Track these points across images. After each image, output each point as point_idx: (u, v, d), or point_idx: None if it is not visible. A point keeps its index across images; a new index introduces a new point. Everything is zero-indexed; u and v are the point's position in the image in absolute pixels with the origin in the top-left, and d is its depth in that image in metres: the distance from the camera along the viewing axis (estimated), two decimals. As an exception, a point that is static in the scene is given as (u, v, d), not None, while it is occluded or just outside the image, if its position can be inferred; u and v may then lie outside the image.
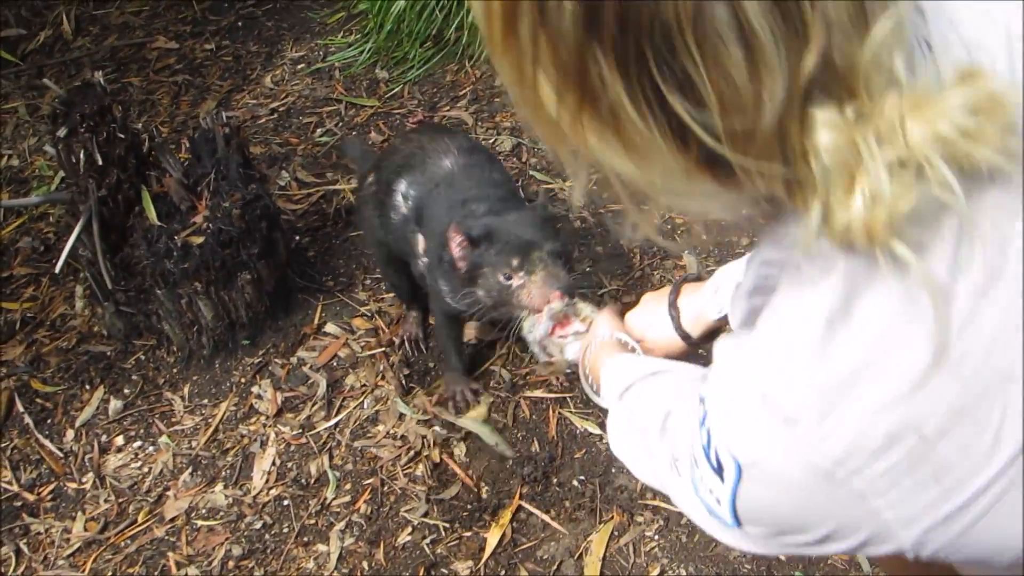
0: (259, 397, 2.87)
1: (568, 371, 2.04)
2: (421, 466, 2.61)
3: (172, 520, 2.62)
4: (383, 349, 2.92)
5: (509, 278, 2.24)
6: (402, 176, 2.68)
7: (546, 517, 2.45)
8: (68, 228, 2.94)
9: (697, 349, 1.83)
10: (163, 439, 2.82)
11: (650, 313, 1.83)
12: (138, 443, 2.84)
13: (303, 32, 4.48)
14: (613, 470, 2.51)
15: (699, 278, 1.81)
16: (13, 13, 4.71)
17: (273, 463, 2.70)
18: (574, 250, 3.06)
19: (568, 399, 2.69)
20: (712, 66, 0.81)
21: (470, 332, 2.86)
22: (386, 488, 2.59)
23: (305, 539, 2.52)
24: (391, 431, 2.71)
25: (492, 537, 2.43)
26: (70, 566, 2.56)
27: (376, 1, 4.11)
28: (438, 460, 2.61)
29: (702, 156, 0.88)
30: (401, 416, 2.73)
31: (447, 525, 2.47)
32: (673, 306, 1.78)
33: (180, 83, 4.28)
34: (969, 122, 0.83)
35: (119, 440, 2.86)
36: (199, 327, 2.94)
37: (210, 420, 2.85)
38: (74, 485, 2.76)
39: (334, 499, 2.59)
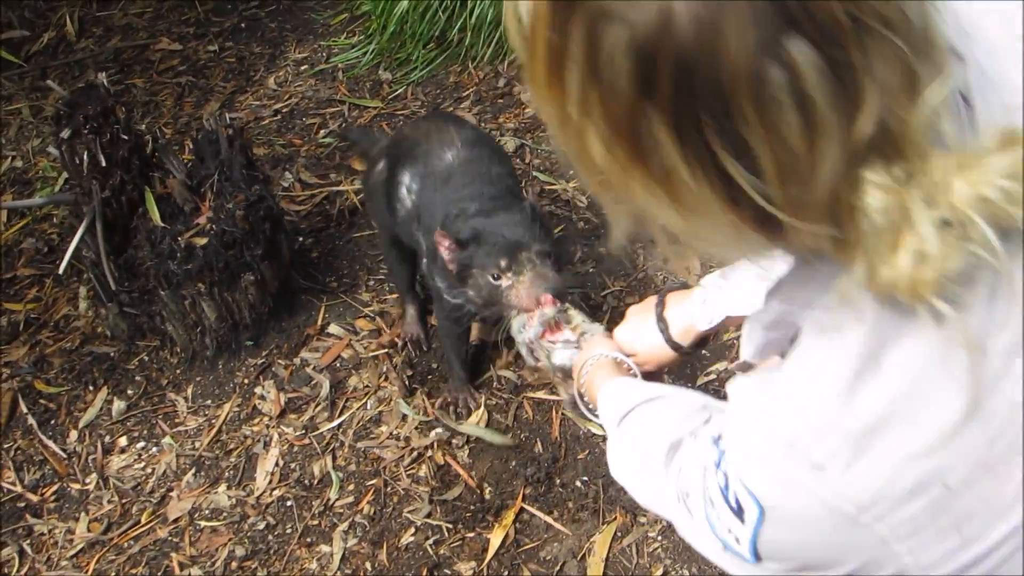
0: (262, 398, 2.87)
1: (556, 376, 2.04)
2: (424, 467, 2.61)
3: (175, 521, 2.62)
4: (386, 350, 2.92)
5: (498, 279, 2.25)
6: (407, 168, 2.69)
7: (549, 518, 2.45)
8: (72, 229, 2.94)
9: (690, 356, 1.83)
10: (166, 440, 2.82)
11: (638, 327, 1.82)
12: (141, 444, 2.85)
13: (306, 33, 4.48)
14: (616, 471, 2.50)
15: (685, 285, 1.81)
16: (17, 15, 4.71)
17: (276, 464, 2.70)
18: (576, 251, 3.05)
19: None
20: (768, 132, 0.82)
21: (473, 333, 2.85)
22: (389, 489, 2.59)
23: (308, 540, 2.52)
24: (394, 432, 2.71)
25: (495, 538, 2.43)
26: (73, 567, 2.57)
27: (379, 2, 4.11)
28: (441, 461, 2.61)
29: (753, 215, 0.88)
30: (404, 417, 2.73)
31: (450, 526, 2.47)
32: (661, 319, 1.77)
33: (183, 84, 4.28)
34: (1011, 186, 0.85)
35: (122, 441, 2.86)
36: (202, 328, 2.94)
37: (213, 421, 2.85)
38: (77, 486, 2.76)
39: (337, 500, 2.59)
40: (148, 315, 2.98)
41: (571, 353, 1.94)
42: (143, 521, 2.64)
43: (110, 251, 2.86)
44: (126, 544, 2.60)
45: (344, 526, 2.53)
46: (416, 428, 2.70)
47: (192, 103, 4.18)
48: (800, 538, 1.06)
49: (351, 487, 2.62)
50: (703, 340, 1.80)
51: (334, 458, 2.69)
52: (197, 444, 2.80)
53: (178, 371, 3.02)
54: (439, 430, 2.67)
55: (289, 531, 2.55)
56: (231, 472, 2.71)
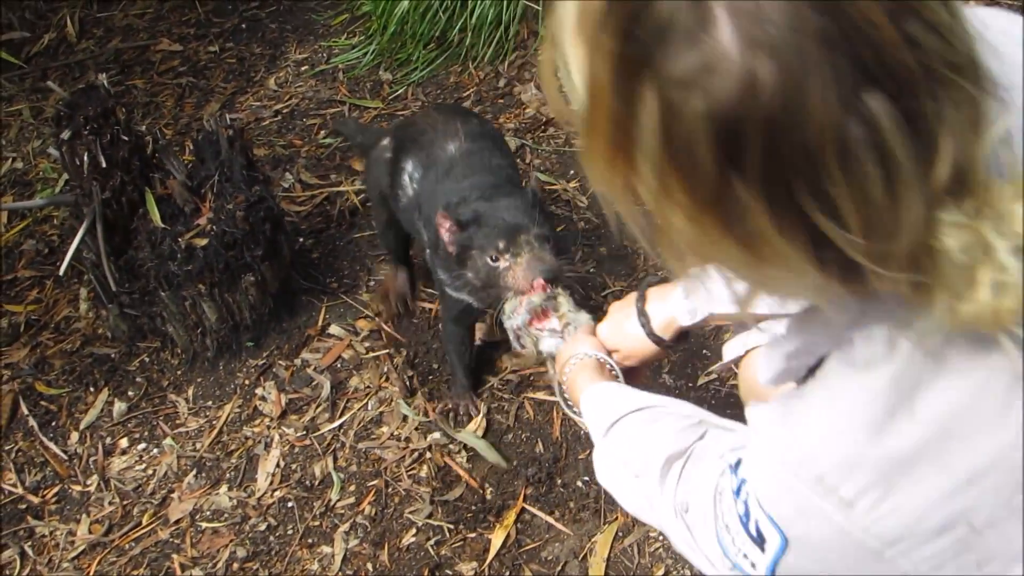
0: (263, 399, 2.87)
1: (539, 363, 2.06)
2: (425, 468, 2.60)
3: (177, 522, 2.62)
4: (387, 351, 2.92)
5: (496, 260, 2.25)
6: (411, 155, 2.71)
7: (550, 518, 2.45)
8: (72, 231, 2.94)
9: (672, 351, 1.84)
10: (167, 441, 2.82)
11: (620, 322, 1.82)
12: (142, 445, 2.84)
13: (307, 34, 4.48)
14: (617, 471, 2.50)
15: (664, 280, 1.81)
16: (17, 16, 4.71)
17: (277, 465, 2.70)
18: (577, 251, 3.05)
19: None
20: (852, 187, 0.83)
21: (477, 333, 2.85)
22: (390, 490, 2.58)
23: (309, 541, 2.52)
24: (395, 433, 2.70)
25: (496, 538, 2.42)
26: (74, 569, 2.57)
27: (380, 3, 4.11)
28: (442, 462, 2.60)
29: (836, 267, 0.89)
30: (405, 418, 2.73)
31: (451, 526, 2.47)
32: (642, 312, 1.78)
33: (184, 85, 4.28)
34: None
35: (123, 442, 2.86)
36: (203, 329, 2.94)
37: (214, 422, 2.85)
38: (78, 488, 2.76)
39: (338, 501, 2.59)
40: (149, 316, 2.98)
41: (556, 342, 1.96)
42: (144, 522, 2.64)
43: (110, 252, 2.86)
44: (127, 546, 2.60)
45: (345, 527, 2.52)
46: (416, 429, 2.70)
47: (192, 104, 4.18)
48: (821, 567, 1.07)
49: (352, 488, 2.61)
50: (685, 335, 1.80)
51: (335, 459, 2.69)
52: (198, 445, 2.80)
53: (179, 372, 3.02)
54: (437, 435, 2.67)
55: (290, 532, 2.55)
56: (232, 473, 2.71)
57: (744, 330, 1.80)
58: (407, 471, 2.61)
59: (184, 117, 4.11)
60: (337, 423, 2.76)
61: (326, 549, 2.49)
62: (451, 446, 2.64)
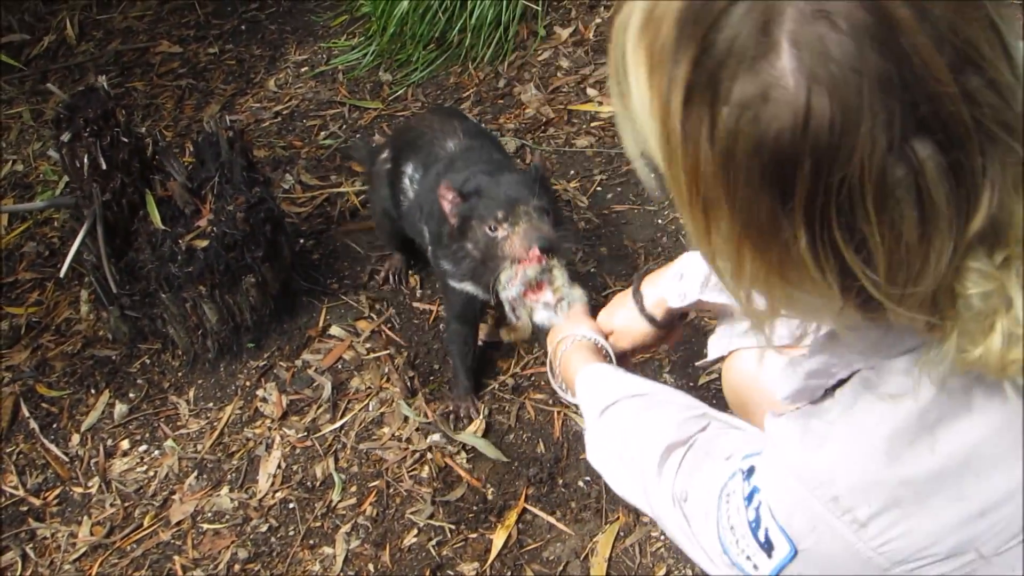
0: (264, 400, 2.87)
1: (531, 337, 2.09)
2: (426, 468, 2.60)
3: (178, 524, 2.62)
4: (388, 351, 2.91)
5: (494, 230, 2.28)
6: (410, 158, 2.73)
7: (552, 518, 2.44)
8: (72, 232, 2.94)
9: (665, 334, 1.86)
10: (168, 443, 2.82)
11: (616, 303, 1.87)
12: (143, 447, 2.84)
13: (306, 35, 4.48)
14: (619, 471, 2.50)
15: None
16: (17, 18, 4.72)
17: (278, 466, 2.70)
18: (577, 251, 3.05)
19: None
20: (884, 225, 0.84)
21: (480, 334, 2.85)
22: (391, 490, 2.58)
23: (311, 542, 2.52)
24: (396, 433, 2.70)
25: (498, 538, 2.42)
26: (76, 571, 2.57)
27: (379, 4, 4.11)
28: (443, 463, 2.60)
29: (857, 298, 0.92)
30: (406, 419, 2.72)
31: (453, 527, 2.47)
32: (637, 292, 1.82)
33: (184, 87, 4.29)
34: None
35: (124, 444, 2.86)
36: (204, 331, 2.94)
37: (215, 423, 2.85)
38: (80, 489, 2.76)
39: (340, 502, 2.59)
40: (149, 318, 2.98)
41: (550, 315, 1.99)
42: (146, 524, 2.64)
43: (111, 254, 2.86)
44: (129, 547, 2.59)
45: (347, 528, 2.52)
46: (417, 430, 2.70)
47: (192, 106, 4.18)
48: None
49: (353, 489, 2.61)
50: (677, 319, 1.84)
51: (336, 460, 2.69)
52: (199, 447, 2.80)
53: (180, 374, 3.02)
54: (436, 436, 2.66)
55: (292, 533, 2.55)
56: (233, 474, 2.71)
57: (729, 322, 1.82)
58: (408, 472, 2.61)
59: (184, 119, 4.11)
60: (338, 424, 2.76)
61: (327, 550, 2.49)
62: (450, 447, 2.64)
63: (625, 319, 1.84)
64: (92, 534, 2.64)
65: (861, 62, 0.81)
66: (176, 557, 2.54)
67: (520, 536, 2.43)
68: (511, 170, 2.51)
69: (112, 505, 2.70)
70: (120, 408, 2.93)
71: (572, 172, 3.39)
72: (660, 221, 3.13)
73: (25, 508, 2.74)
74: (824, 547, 1.06)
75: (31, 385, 3.05)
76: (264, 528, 2.56)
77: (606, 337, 1.83)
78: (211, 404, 2.91)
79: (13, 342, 3.20)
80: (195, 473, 2.73)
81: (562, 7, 4.11)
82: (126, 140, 2.85)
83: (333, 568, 2.45)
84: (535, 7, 4.02)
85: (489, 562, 2.38)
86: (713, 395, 2.62)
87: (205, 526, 2.60)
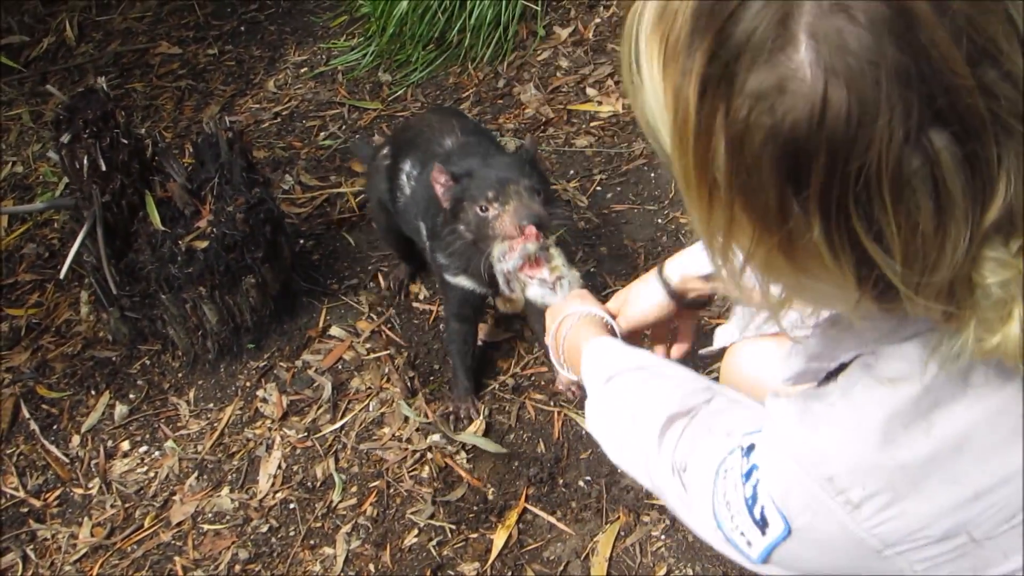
0: (264, 401, 2.87)
1: (523, 309, 2.09)
2: (427, 468, 2.60)
3: (179, 525, 2.62)
4: (388, 352, 2.91)
5: (485, 210, 2.29)
6: (408, 155, 2.74)
7: (552, 518, 2.44)
8: (72, 234, 2.94)
9: (677, 310, 1.85)
10: (169, 444, 2.82)
11: (635, 282, 1.87)
12: (144, 448, 2.85)
13: (306, 36, 4.48)
14: (619, 470, 2.50)
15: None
16: (16, 20, 4.72)
17: (279, 466, 2.70)
18: (577, 251, 3.05)
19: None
20: (900, 215, 0.85)
21: (480, 333, 2.85)
22: (392, 490, 2.58)
23: (311, 542, 2.52)
24: (396, 433, 2.70)
25: (498, 538, 2.42)
26: (77, 572, 2.57)
27: (378, 4, 4.11)
28: (443, 463, 2.60)
29: (873, 287, 0.92)
30: (406, 419, 2.72)
31: (453, 527, 2.47)
32: (662, 272, 1.81)
33: (183, 88, 4.29)
34: None
35: (125, 445, 2.86)
36: (204, 331, 2.94)
37: (215, 424, 2.85)
38: (80, 491, 2.76)
39: (340, 502, 2.59)
40: (149, 319, 2.98)
41: (544, 292, 1.98)
42: (146, 525, 2.64)
43: (111, 255, 2.86)
44: (129, 548, 2.60)
45: (347, 528, 2.52)
46: (417, 430, 2.70)
47: (192, 107, 4.18)
48: (819, 558, 1.12)
49: (354, 489, 2.61)
50: (695, 304, 1.84)
51: (336, 460, 2.69)
52: (199, 447, 2.80)
53: (180, 375, 3.02)
54: (436, 437, 2.66)
55: (292, 534, 2.55)
56: (234, 475, 2.71)
57: (741, 314, 1.82)
58: (409, 472, 2.61)
59: (184, 120, 4.11)
60: (338, 424, 2.76)
61: (328, 550, 2.49)
62: (450, 447, 2.64)
63: (642, 292, 1.83)
64: (93, 535, 2.64)
65: (879, 55, 0.82)
66: (177, 558, 2.54)
67: (521, 536, 2.43)
68: (503, 154, 2.52)
69: (113, 506, 2.70)
70: (120, 409, 2.93)
71: (572, 172, 3.39)
72: (660, 220, 3.13)
73: (26, 509, 2.74)
74: (818, 527, 1.08)
75: (31, 386, 3.05)
76: (265, 528, 2.56)
77: (614, 317, 1.84)
78: (211, 405, 2.91)
79: (13, 343, 3.20)
80: (195, 474, 2.73)
81: (561, 7, 4.11)
82: (126, 141, 2.85)
83: (334, 568, 2.45)
84: (534, 7, 4.02)
85: (490, 562, 2.38)
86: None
87: (206, 527, 2.60)
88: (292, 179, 3.63)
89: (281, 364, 2.96)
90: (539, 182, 2.36)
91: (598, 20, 4.02)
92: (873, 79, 0.82)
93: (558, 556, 2.37)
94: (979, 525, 1.00)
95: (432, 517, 2.50)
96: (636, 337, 1.87)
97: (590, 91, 3.71)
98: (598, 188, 3.31)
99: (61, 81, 4.42)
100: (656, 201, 3.20)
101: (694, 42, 0.89)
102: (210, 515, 2.63)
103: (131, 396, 2.98)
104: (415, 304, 3.07)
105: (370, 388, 2.84)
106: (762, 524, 1.13)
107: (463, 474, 2.57)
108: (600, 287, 2.94)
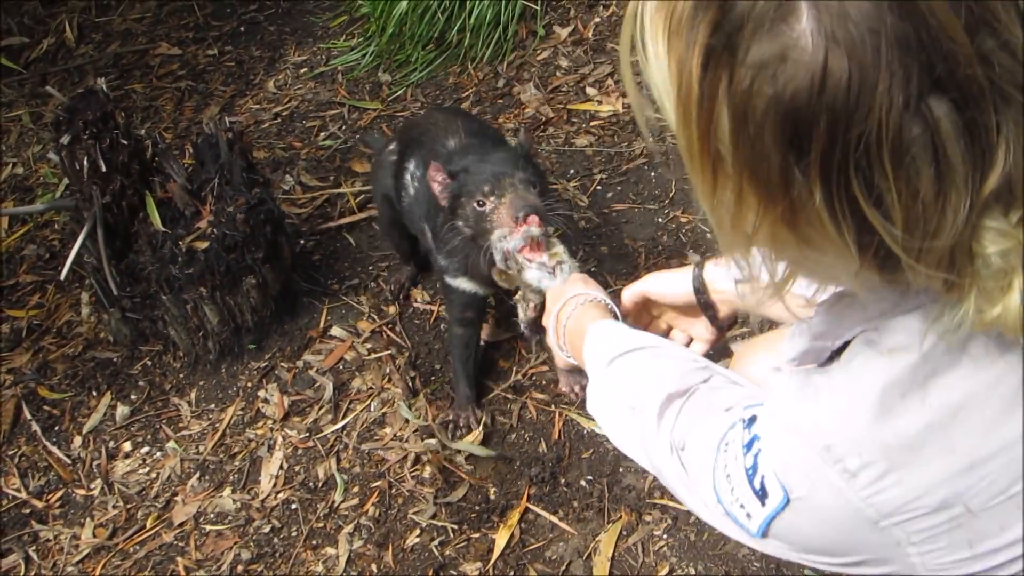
0: (266, 401, 2.87)
1: (522, 292, 2.10)
2: (428, 468, 2.60)
3: (181, 525, 2.62)
4: (389, 352, 2.91)
5: (482, 204, 2.29)
6: (413, 155, 2.74)
7: (554, 518, 2.44)
8: (73, 235, 2.94)
9: (697, 310, 1.86)
10: (170, 444, 2.82)
11: (666, 271, 1.89)
12: (145, 449, 2.85)
13: (305, 36, 4.48)
14: (621, 469, 2.50)
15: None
16: (16, 21, 4.72)
17: (280, 467, 2.70)
18: (578, 251, 3.05)
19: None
20: (901, 181, 0.86)
21: (484, 332, 2.85)
22: (394, 491, 2.58)
23: (313, 542, 2.52)
24: (398, 434, 2.70)
25: (500, 538, 2.42)
26: (79, 573, 2.57)
27: (378, 4, 4.11)
28: (444, 463, 2.60)
29: (874, 257, 0.94)
30: (407, 419, 2.72)
31: (455, 527, 2.47)
32: (699, 265, 1.83)
33: (183, 89, 4.28)
34: None
35: (127, 446, 2.86)
36: (205, 332, 2.94)
37: (217, 425, 2.85)
38: (82, 491, 2.76)
39: (342, 502, 2.59)
40: (150, 320, 2.98)
41: (541, 276, 2.00)
42: (148, 526, 2.64)
43: (111, 256, 2.86)
44: (132, 549, 2.60)
45: (349, 528, 2.52)
46: (415, 431, 2.69)
47: (192, 107, 4.18)
48: (817, 529, 1.13)
49: (356, 489, 2.61)
50: (724, 320, 1.85)
51: (338, 460, 2.69)
52: (201, 448, 2.80)
53: (181, 375, 3.02)
54: (432, 442, 2.65)
55: (294, 534, 2.55)
56: (235, 476, 2.71)
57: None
58: (410, 472, 2.61)
59: (184, 121, 4.11)
60: (340, 424, 2.76)
61: (330, 551, 2.49)
62: (447, 452, 2.64)
63: (673, 274, 1.85)
64: (95, 536, 2.64)
65: (879, 22, 0.83)
66: (179, 558, 2.55)
67: (523, 536, 2.43)
68: (499, 149, 2.53)
69: (115, 507, 2.70)
70: (122, 410, 2.94)
71: (572, 171, 3.39)
72: (660, 220, 3.13)
73: (28, 510, 2.74)
74: (816, 497, 1.08)
75: (33, 388, 3.05)
76: (267, 529, 2.57)
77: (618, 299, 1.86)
78: (213, 405, 2.91)
79: (14, 345, 3.20)
80: (197, 474, 2.74)
81: (561, 6, 4.11)
82: (126, 142, 2.85)
83: (336, 569, 2.45)
84: (534, 7, 4.02)
85: (492, 562, 2.38)
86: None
87: (208, 527, 2.60)
88: (292, 179, 3.63)
89: (282, 364, 2.97)
90: (535, 175, 2.37)
91: (598, 19, 4.02)
92: (873, 46, 0.83)
93: (560, 556, 2.37)
94: (975, 496, 1.00)
95: (434, 517, 2.50)
96: (641, 314, 1.91)
97: (590, 90, 3.71)
98: (598, 188, 3.31)
99: (61, 82, 4.42)
100: (656, 200, 3.20)
101: (698, 15, 0.91)
102: (212, 515, 2.63)
103: (132, 397, 2.99)
104: (416, 304, 3.07)
105: (371, 388, 2.84)
106: (762, 495, 1.14)
107: (464, 475, 2.57)
108: (601, 286, 2.93)
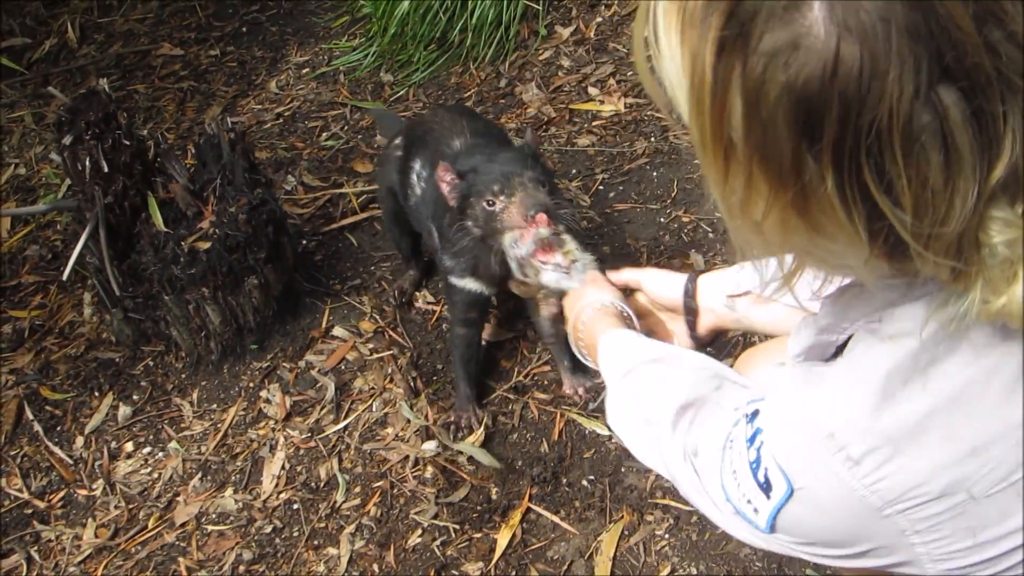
0: (268, 401, 2.87)
1: (540, 294, 2.11)
2: (430, 468, 2.60)
3: (182, 525, 2.62)
4: (391, 352, 2.91)
5: (492, 204, 2.29)
6: (419, 154, 2.74)
7: (556, 517, 2.44)
8: (75, 235, 2.94)
9: (682, 317, 1.90)
10: (172, 444, 2.82)
11: (667, 271, 1.95)
12: (147, 449, 2.85)
13: (307, 37, 4.48)
14: (623, 469, 2.50)
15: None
16: (18, 22, 4.73)
17: (282, 467, 2.70)
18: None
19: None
20: (911, 168, 0.88)
21: (485, 332, 2.85)
22: (395, 491, 2.58)
23: (315, 543, 2.52)
24: (400, 434, 2.70)
25: (502, 538, 2.42)
26: (81, 573, 2.57)
27: (380, 4, 4.11)
28: (446, 464, 2.60)
29: (884, 245, 0.95)
30: (409, 420, 2.72)
31: (457, 527, 2.47)
32: (694, 274, 1.87)
33: (185, 89, 4.29)
34: None
35: (128, 446, 2.86)
36: (207, 332, 2.94)
37: (219, 425, 2.85)
38: (84, 492, 2.77)
39: (344, 502, 2.59)
40: (152, 320, 2.98)
41: (559, 277, 2.00)
42: (150, 526, 2.64)
43: (114, 257, 2.86)
44: (133, 549, 2.60)
45: (351, 528, 2.52)
46: (415, 432, 2.69)
47: (194, 108, 4.19)
48: (821, 519, 1.13)
49: (357, 489, 2.61)
50: (701, 332, 1.88)
51: (340, 460, 2.69)
52: (203, 448, 2.80)
53: (183, 376, 3.02)
54: (432, 444, 2.65)
55: (296, 534, 2.55)
56: (237, 476, 2.71)
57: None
58: (412, 472, 2.61)
59: (186, 121, 4.11)
60: (342, 425, 2.76)
61: (332, 551, 2.49)
62: (448, 453, 2.64)
63: (665, 278, 1.90)
64: (97, 536, 2.64)
65: (890, 11, 0.85)
66: (181, 559, 2.55)
67: (524, 536, 2.43)
68: (506, 149, 2.53)
69: (116, 507, 2.70)
70: (124, 410, 2.94)
71: (574, 171, 3.39)
72: (663, 220, 3.13)
73: (30, 511, 2.74)
74: (820, 486, 1.09)
75: (35, 388, 3.05)
76: (268, 529, 2.57)
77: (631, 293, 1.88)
78: (215, 406, 2.92)
79: (17, 345, 3.21)
80: (199, 475, 2.74)
81: (563, 6, 4.11)
82: (128, 143, 2.86)
83: (338, 569, 2.45)
84: (536, 6, 4.02)
85: (493, 562, 2.38)
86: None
87: (209, 527, 2.61)
88: (294, 180, 3.63)
89: (284, 365, 2.97)
90: (543, 174, 2.37)
91: (599, 19, 4.02)
92: (884, 35, 0.85)
93: (562, 556, 2.37)
94: (977, 482, 1.01)
95: (436, 517, 2.50)
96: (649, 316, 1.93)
97: (592, 90, 3.71)
98: (600, 187, 3.30)
99: (63, 83, 4.42)
100: (658, 200, 3.20)
101: (711, 5, 0.92)
102: (214, 516, 2.63)
103: (135, 397, 2.99)
104: (418, 305, 3.07)
105: (373, 388, 2.84)
106: (766, 487, 1.15)
107: (465, 476, 2.57)
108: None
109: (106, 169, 2.80)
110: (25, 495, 2.78)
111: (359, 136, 3.79)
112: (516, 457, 2.59)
